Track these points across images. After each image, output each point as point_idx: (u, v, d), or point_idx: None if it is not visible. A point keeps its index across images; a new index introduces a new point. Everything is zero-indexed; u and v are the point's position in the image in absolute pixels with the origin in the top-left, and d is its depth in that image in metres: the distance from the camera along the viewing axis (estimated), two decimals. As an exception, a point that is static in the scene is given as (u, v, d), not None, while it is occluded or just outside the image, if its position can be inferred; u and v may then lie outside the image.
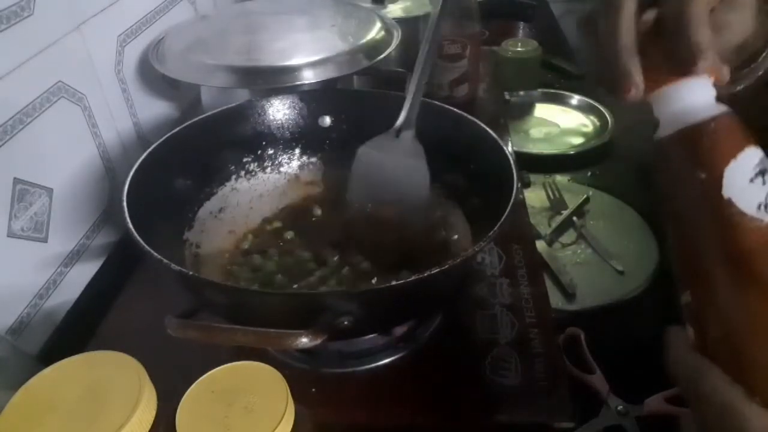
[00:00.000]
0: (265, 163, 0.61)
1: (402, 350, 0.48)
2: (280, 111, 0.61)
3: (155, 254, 0.39)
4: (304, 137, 0.62)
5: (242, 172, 0.60)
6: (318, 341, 0.35)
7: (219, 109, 0.58)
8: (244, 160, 0.60)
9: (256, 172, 0.61)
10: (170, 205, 0.52)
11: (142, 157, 0.50)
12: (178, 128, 0.54)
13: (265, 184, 0.61)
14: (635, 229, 0.72)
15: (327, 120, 0.61)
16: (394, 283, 0.37)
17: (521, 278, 0.54)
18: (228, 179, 0.59)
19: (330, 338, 0.36)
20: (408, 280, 0.38)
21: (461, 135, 0.54)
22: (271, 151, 0.61)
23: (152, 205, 0.47)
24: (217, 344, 0.36)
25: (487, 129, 0.52)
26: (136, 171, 0.48)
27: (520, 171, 0.47)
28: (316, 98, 0.62)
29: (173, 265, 0.38)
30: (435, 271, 0.37)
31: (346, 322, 0.37)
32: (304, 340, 0.34)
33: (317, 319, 0.36)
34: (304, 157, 0.62)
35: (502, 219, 0.41)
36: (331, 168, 0.62)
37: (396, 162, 0.53)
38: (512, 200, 0.43)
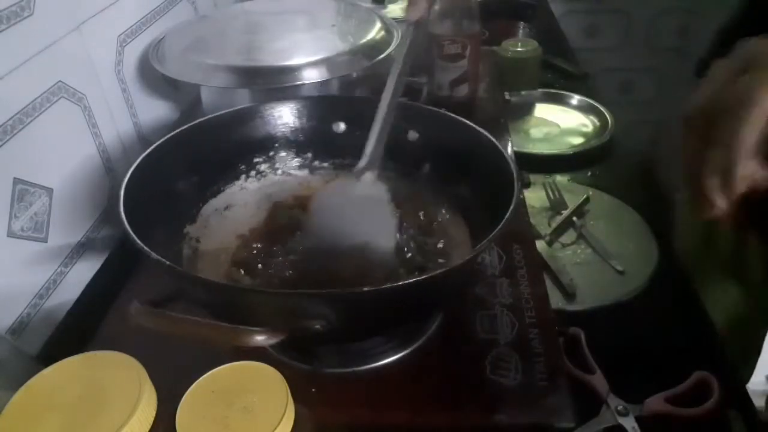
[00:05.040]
0: (276, 165, 0.61)
1: (402, 350, 0.48)
2: (294, 114, 0.61)
3: (133, 235, 0.39)
4: (317, 142, 0.62)
5: (253, 172, 0.60)
6: (274, 341, 0.34)
7: (231, 109, 0.58)
8: (255, 160, 0.60)
9: (266, 173, 0.61)
10: (174, 197, 0.53)
11: (159, 141, 0.51)
12: (189, 124, 0.55)
13: (275, 185, 0.61)
14: (635, 229, 0.72)
15: (341, 126, 0.61)
16: (366, 289, 0.36)
17: (521, 278, 0.54)
18: (237, 178, 0.60)
19: (293, 339, 0.35)
20: (383, 287, 0.37)
21: (460, 138, 0.54)
22: (283, 154, 0.61)
23: (155, 195, 0.48)
24: (175, 335, 0.35)
25: (483, 131, 0.52)
26: (149, 155, 0.49)
27: (520, 171, 0.46)
28: (331, 104, 0.62)
29: (151, 253, 0.38)
30: (420, 278, 0.37)
31: (318, 326, 0.37)
32: (259, 338, 0.34)
33: (283, 318, 0.36)
34: (316, 162, 0.62)
35: (503, 222, 0.41)
36: (343, 174, 0.62)
37: (357, 207, 0.50)
38: (513, 202, 0.43)
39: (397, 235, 0.51)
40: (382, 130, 0.51)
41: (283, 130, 0.61)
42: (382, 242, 0.49)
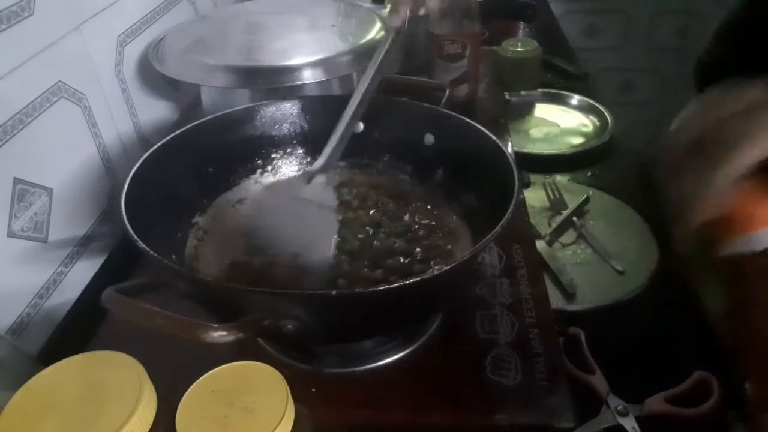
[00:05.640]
0: (292, 161, 0.62)
1: (402, 350, 0.48)
2: (313, 112, 0.61)
3: (124, 215, 0.40)
4: None
5: (269, 168, 0.61)
6: (231, 338, 0.34)
7: (253, 104, 0.59)
8: (273, 156, 0.61)
9: (282, 169, 0.61)
10: (185, 188, 0.54)
11: (180, 130, 0.52)
12: (210, 116, 0.56)
13: None
14: (635, 229, 0.72)
15: (360, 126, 0.61)
16: (333, 293, 0.37)
17: (521, 278, 0.54)
18: (253, 172, 0.60)
19: (258, 337, 0.35)
20: (352, 291, 0.38)
21: (459, 137, 0.54)
22: (300, 151, 0.62)
23: (162, 183, 0.49)
24: (140, 323, 0.35)
25: (484, 130, 0.52)
26: (166, 144, 0.50)
27: (520, 171, 0.46)
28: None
29: (134, 235, 0.39)
30: (401, 284, 0.36)
31: (290, 326, 0.37)
32: (215, 335, 0.33)
33: (253, 315, 0.36)
34: None
35: (502, 221, 0.41)
36: (358, 173, 0.62)
37: (303, 210, 0.49)
38: (513, 202, 0.43)
39: (334, 246, 0.50)
40: (343, 134, 0.51)
41: (302, 127, 0.61)
42: (318, 251, 0.48)
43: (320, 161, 0.51)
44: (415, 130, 0.58)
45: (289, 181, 0.54)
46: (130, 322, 0.35)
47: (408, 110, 0.58)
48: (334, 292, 0.36)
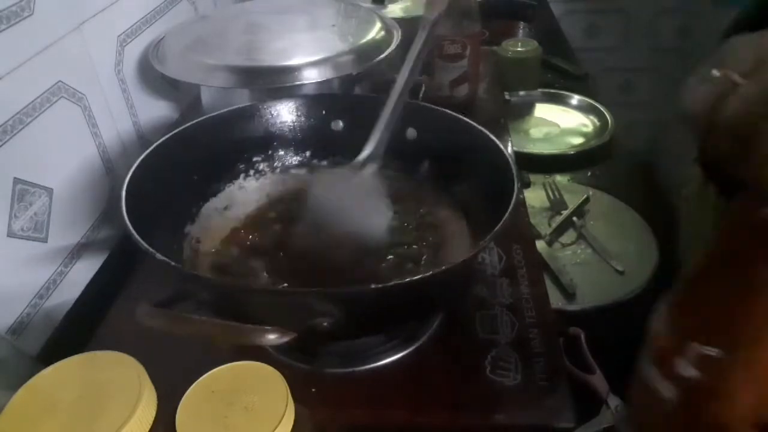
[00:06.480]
0: (275, 164, 0.62)
1: (402, 350, 0.48)
2: (293, 113, 0.61)
3: (137, 236, 0.39)
4: (315, 140, 0.62)
5: (251, 171, 0.61)
6: (285, 339, 0.34)
7: (230, 108, 0.58)
8: (254, 159, 0.61)
9: (265, 172, 0.61)
10: (174, 197, 0.53)
11: (159, 141, 0.51)
12: (189, 123, 0.55)
13: (274, 184, 0.61)
14: (635, 229, 0.72)
15: (340, 124, 0.61)
16: (373, 286, 0.37)
17: (521, 278, 0.54)
18: (237, 177, 0.60)
19: (303, 338, 0.35)
20: (389, 284, 0.37)
21: (459, 136, 0.54)
22: (281, 152, 0.62)
23: (155, 196, 0.48)
24: (184, 335, 0.35)
25: (482, 129, 0.52)
26: (149, 155, 0.49)
27: (520, 171, 0.46)
28: (329, 102, 0.62)
29: (156, 254, 0.38)
30: (427, 275, 0.37)
31: (325, 324, 0.37)
32: (271, 337, 0.34)
33: (292, 317, 0.36)
34: (315, 160, 0.62)
35: (502, 222, 0.41)
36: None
37: (355, 199, 0.50)
38: (513, 202, 0.43)
39: (390, 225, 0.51)
40: (387, 124, 0.51)
41: (281, 128, 0.61)
42: (375, 232, 0.49)
43: (367, 150, 0.51)
44: (403, 125, 0.58)
45: (338, 172, 0.53)
46: (129, 322, 0.35)
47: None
48: (373, 286, 0.37)
